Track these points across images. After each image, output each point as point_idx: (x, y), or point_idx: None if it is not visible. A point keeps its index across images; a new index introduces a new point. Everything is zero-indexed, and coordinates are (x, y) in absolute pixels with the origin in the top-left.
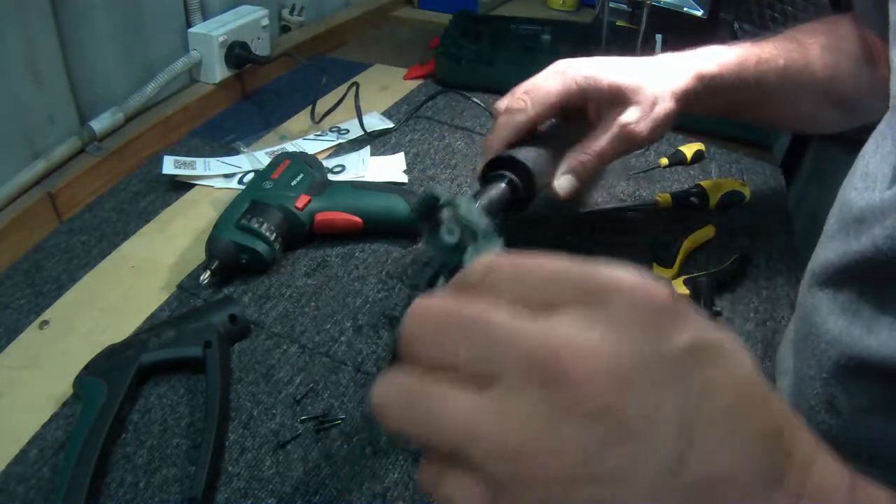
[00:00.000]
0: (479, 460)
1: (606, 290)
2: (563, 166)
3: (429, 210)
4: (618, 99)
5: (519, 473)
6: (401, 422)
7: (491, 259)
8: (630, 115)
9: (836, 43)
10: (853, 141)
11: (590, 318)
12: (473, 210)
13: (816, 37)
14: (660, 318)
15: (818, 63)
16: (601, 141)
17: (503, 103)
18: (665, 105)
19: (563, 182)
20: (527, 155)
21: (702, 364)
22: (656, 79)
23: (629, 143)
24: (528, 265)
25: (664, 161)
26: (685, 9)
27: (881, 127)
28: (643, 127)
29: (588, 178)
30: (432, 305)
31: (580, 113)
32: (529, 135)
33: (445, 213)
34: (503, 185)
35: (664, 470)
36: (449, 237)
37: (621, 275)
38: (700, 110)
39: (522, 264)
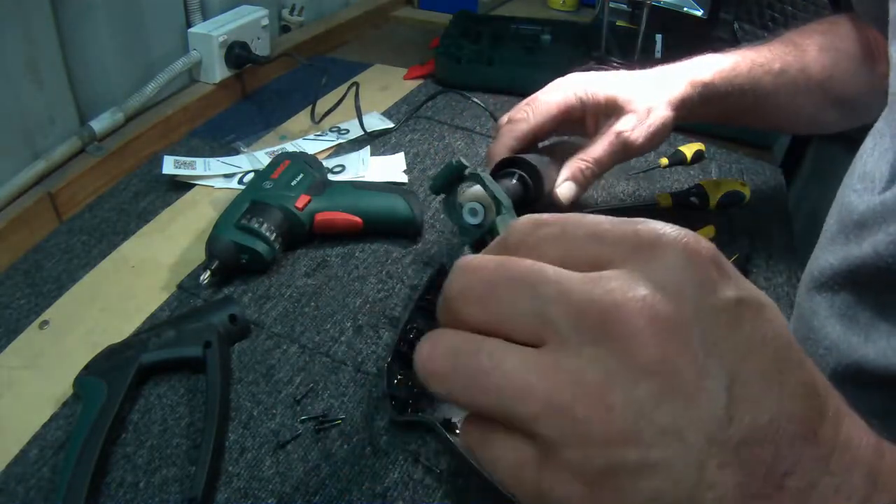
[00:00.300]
0: (529, 418)
1: (652, 245)
2: (564, 173)
3: (451, 180)
4: (614, 110)
5: (570, 431)
6: (448, 381)
7: (535, 217)
8: (625, 124)
9: (833, 43)
10: (853, 140)
11: (638, 273)
12: (498, 185)
13: (813, 38)
14: (706, 272)
15: (815, 65)
16: (598, 148)
17: (506, 117)
18: (659, 113)
19: (564, 189)
20: (532, 158)
21: (746, 319)
22: (651, 89)
23: (625, 150)
24: (573, 222)
25: (664, 161)
26: (685, 9)
27: (879, 124)
28: (638, 134)
29: (588, 185)
30: (479, 263)
31: (580, 126)
32: (531, 145)
33: (468, 195)
34: (514, 179)
35: (714, 425)
36: (472, 218)
37: (665, 229)
38: (697, 118)
39: (567, 221)
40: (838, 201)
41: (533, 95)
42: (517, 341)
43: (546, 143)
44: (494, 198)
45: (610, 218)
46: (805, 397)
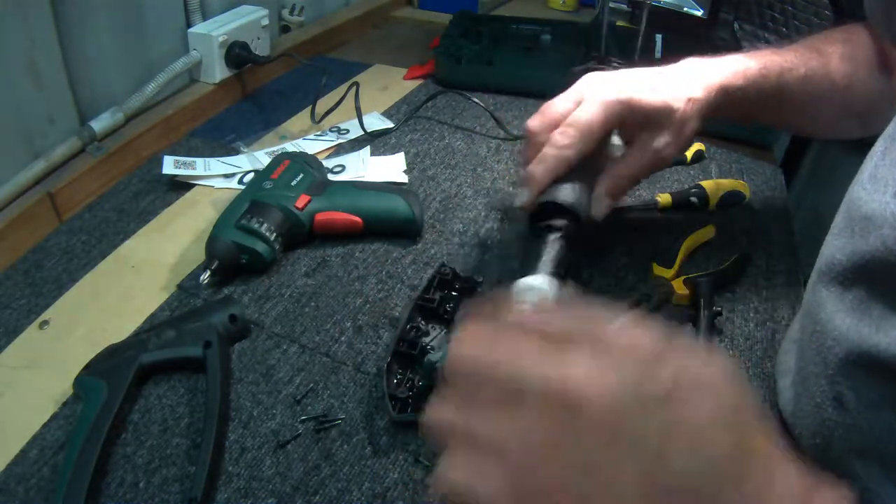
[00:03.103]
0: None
1: (610, 338)
2: (601, 190)
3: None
4: (650, 122)
5: (532, 467)
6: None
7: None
8: (662, 141)
9: (852, 52)
10: (854, 140)
11: (595, 357)
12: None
13: (835, 45)
14: (648, 359)
15: (837, 72)
16: (634, 165)
17: (536, 123)
18: (693, 124)
19: (600, 207)
20: (572, 197)
21: (677, 397)
22: (684, 96)
23: (659, 165)
24: (547, 319)
25: None
26: (685, 9)
27: (890, 129)
28: (673, 150)
29: (620, 199)
30: (474, 345)
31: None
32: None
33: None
34: (559, 237)
35: (645, 472)
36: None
37: (621, 326)
38: (718, 116)
39: (543, 319)
40: (847, 198)
41: (574, 115)
42: (502, 399)
43: None
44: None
45: (586, 309)
46: (732, 455)
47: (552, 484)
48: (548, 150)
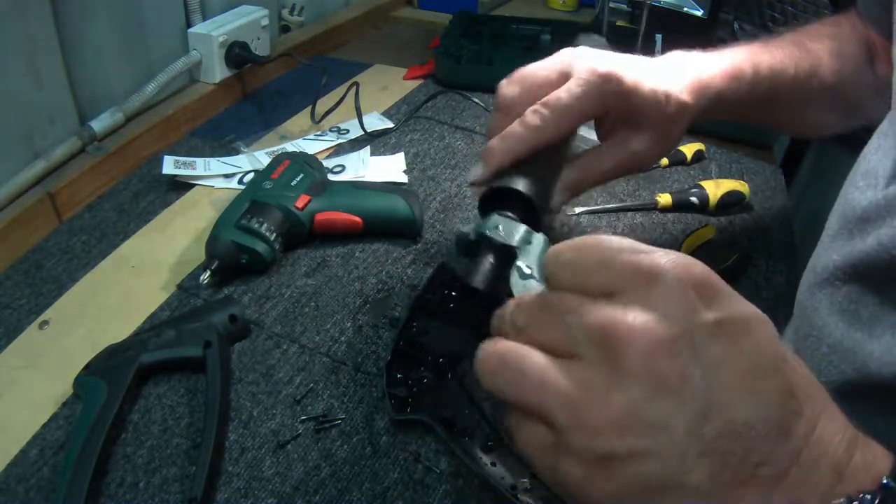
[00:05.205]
0: (549, 410)
1: (650, 276)
2: (564, 183)
3: (464, 249)
4: (635, 116)
5: (577, 421)
6: (497, 378)
7: (555, 248)
8: (643, 142)
9: (841, 48)
10: (853, 140)
11: (638, 301)
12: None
13: (824, 42)
14: (692, 297)
15: (827, 71)
16: (606, 163)
17: (509, 91)
18: (679, 129)
19: (556, 200)
20: (529, 187)
21: (725, 335)
22: (674, 91)
23: (634, 168)
24: (585, 250)
25: (664, 161)
26: (685, 9)
27: (884, 125)
28: (653, 155)
29: (580, 194)
30: (528, 299)
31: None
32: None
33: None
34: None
35: (692, 421)
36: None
37: (661, 261)
38: (707, 118)
39: (580, 249)
40: (840, 200)
41: (554, 94)
42: (555, 354)
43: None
44: (504, 247)
45: (618, 242)
46: (779, 401)
47: (600, 427)
48: (515, 128)
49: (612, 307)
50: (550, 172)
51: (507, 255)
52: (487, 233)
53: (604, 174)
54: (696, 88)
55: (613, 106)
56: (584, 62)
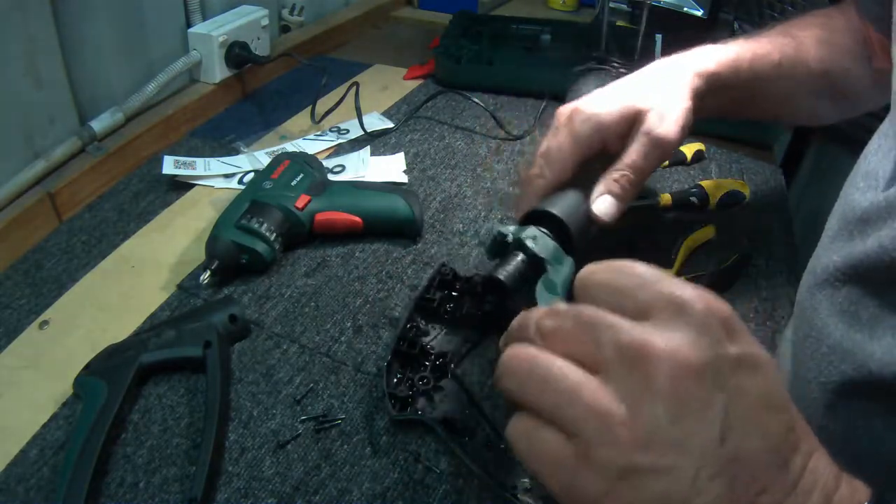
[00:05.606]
0: (576, 419)
1: (681, 305)
2: (599, 188)
3: (499, 250)
4: (633, 118)
5: (603, 434)
6: (522, 380)
7: (589, 268)
8: (650, 122)
9: (829, 36)
10: (853, 140)
11: (670, 326)
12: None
13: (810, 30)
14: (721, 331)
15: (813, 57)
16: (631, 154)
17: (524, 171)
18: (681, 105)
19: (600, 205)
20: (562, 203)
21: (744, 372)
22: (662, 85)
23: (659, 147)
24: (619, 273)
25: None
26: (685, 9)
27: (884, 126)
28: (667, 128)
29: (630, 195)
30: (563, 310)
31: (605, 151)
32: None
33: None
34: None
35: (709, 444)
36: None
37: (694, 292)
38: (703, 111)
39: (615, 272)
40: (841, 201)
41: (544, 145)
42: (581, 365)
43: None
44: (539, 260)
45: (650, 270)
46: (784, 435)
47: (627, 443)
48: (523, 189)
49: (645, 328)
50: (583, 195)
51: (535, 266)
52: (523, 238)
53: (635, 164)
54: (679, 72)
55: (607, 128)
56: (560, 115)
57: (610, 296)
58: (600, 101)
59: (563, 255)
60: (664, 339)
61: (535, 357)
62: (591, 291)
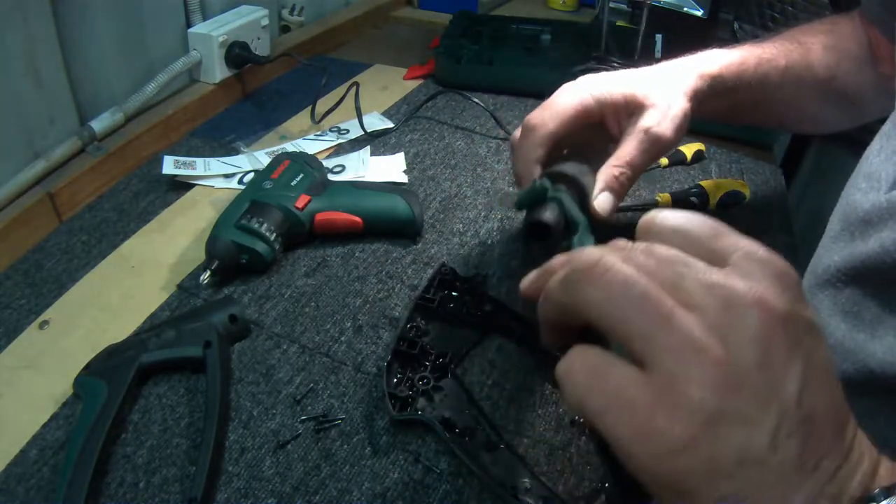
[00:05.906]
0: (664, 348)
1: (763, 258)
2: (600, 184)
3: (534, 200)
4: (634, 107)
5: (696, 370)
6: (612, 301)
7: (660, 212)
8: (650, 119)
9: (836, 43)
10: (854, 140)
11: (754, 275)
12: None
13: (817, 37)
14: (797, 290)
15: (819, 63)
16: (629, 150)
17: (517, 131)
18: (679, 105)
19: (601, 201)
20: (570, 167)
21: (812, 335)
22: (665, 82)
23: (656, 146)
24: (692, 218)
25: (664, 161)
26: (685, 9)
27: (886, 127)
28: (665, 127)
29: (626, 191)
30: (660, 248)
31: (601, 130)
32: (556, 151)
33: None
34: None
35: (790, 399)
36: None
37: (767, 250)
38: (705, 113)
39: (688, 216)
40: (842, 201)
41: (546, 101)
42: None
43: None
44: (571, 218)
45: (718, 223)
46: (841, 402)
47: (716, 384)
48: (522, 140)
49: (728, 273)
50: (587, 167)
51: (567, 221)
52: (561, 196)
53: (633, 162)
54: (684, 72)
55: (607, 100)
56: (559, 90)
57: (683, 239)
58: (607, 78)
59: (587, 223)
60: (749, 286)
61: (633, 275)
62: (661, 234)
